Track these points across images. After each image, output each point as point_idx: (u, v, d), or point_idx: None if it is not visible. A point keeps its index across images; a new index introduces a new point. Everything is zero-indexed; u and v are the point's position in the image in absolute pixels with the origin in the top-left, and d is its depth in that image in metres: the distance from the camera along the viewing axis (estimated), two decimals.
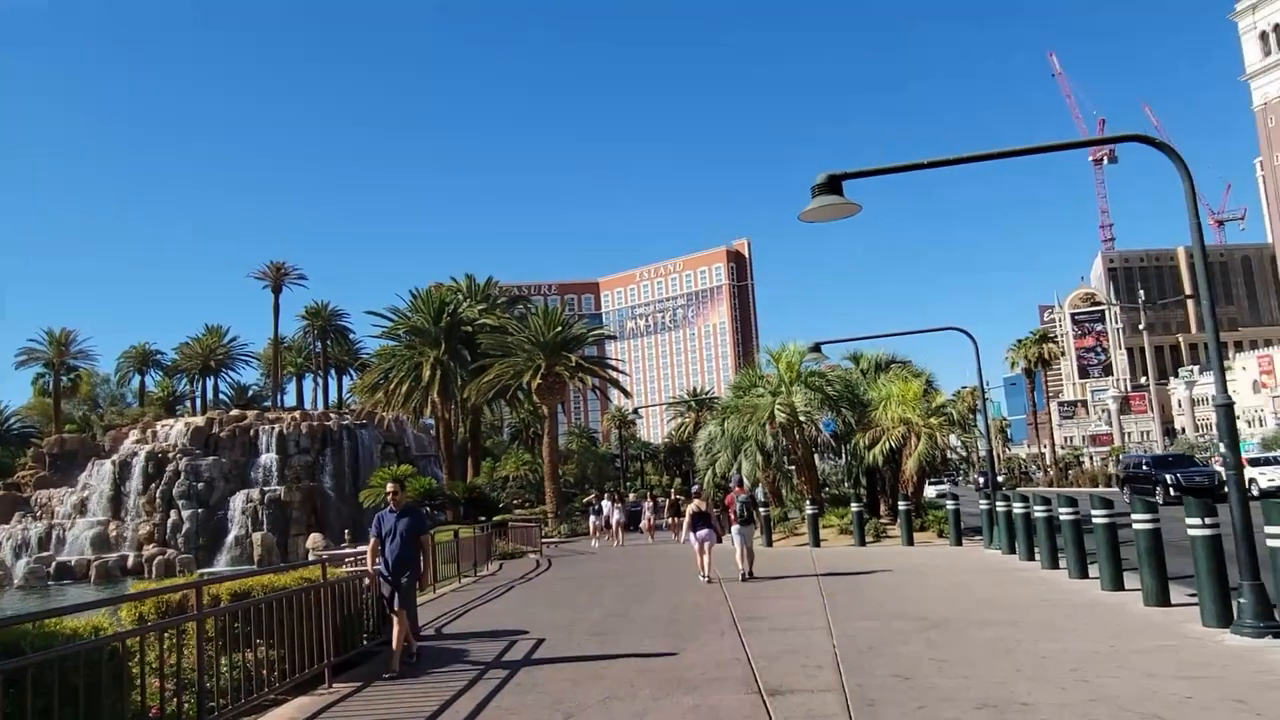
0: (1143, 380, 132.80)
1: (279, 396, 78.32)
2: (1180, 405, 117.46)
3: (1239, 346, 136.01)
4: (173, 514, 52.86)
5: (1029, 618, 10.32)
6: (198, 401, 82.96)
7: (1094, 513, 12.09)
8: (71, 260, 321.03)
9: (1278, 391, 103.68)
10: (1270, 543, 7.49)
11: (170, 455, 55.92)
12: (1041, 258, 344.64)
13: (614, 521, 30.49)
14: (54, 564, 50.08)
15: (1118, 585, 11.73)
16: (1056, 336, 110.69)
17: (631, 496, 42.26)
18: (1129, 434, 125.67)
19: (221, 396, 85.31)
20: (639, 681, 7.88)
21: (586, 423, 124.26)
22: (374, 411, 52.80)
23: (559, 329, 40.51)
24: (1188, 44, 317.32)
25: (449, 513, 39.10)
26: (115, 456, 57.20)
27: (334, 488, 56.53)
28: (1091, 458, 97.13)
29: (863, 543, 22.99)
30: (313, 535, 50.33)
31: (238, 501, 53.99)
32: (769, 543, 24.61)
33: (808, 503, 25.02)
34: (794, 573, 17.00)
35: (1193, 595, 10.74)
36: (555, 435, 42.97)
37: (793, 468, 29.32)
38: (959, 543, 21.59)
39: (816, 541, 23.57)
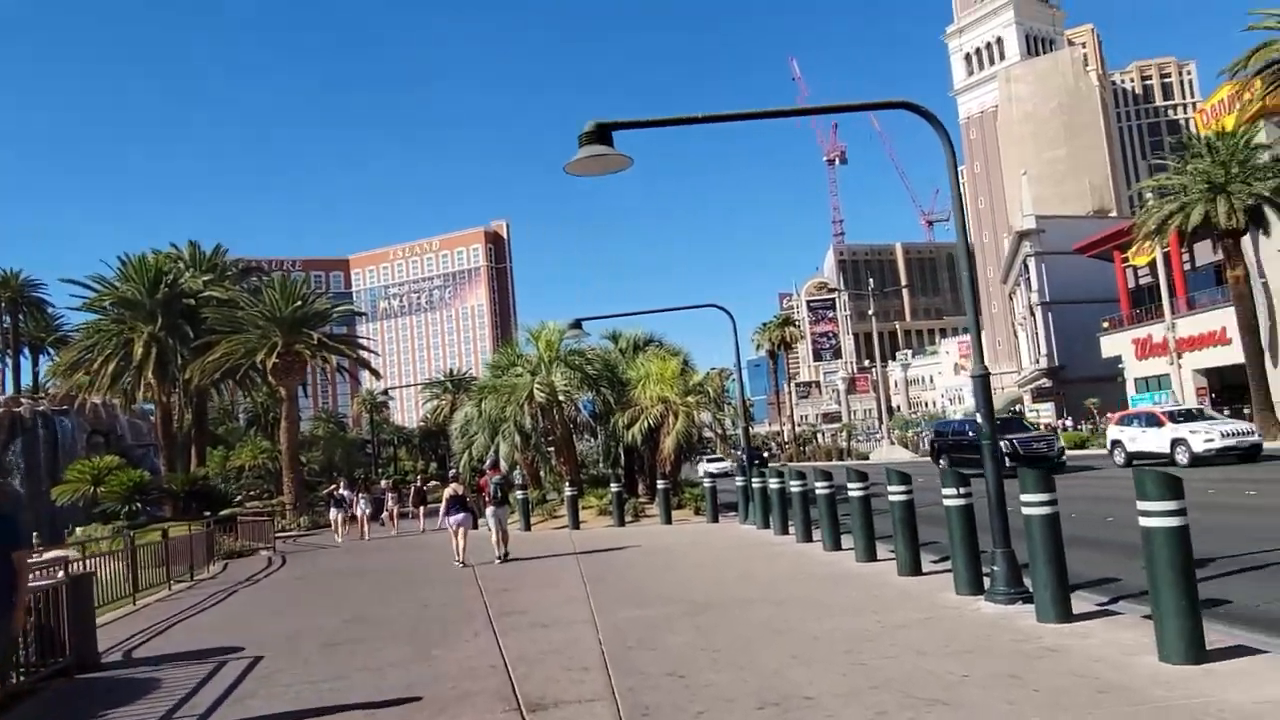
0: (866, 363, 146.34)
1: None
2: (896, 385, 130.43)
3: (944, 333, 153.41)
4: None
5: (792, 593, 10.10)
6: None
7: (850, 485, 12.20)
8: None
9: None
10: (1025, 510, 7.54)
11: None
12: (784, 251, 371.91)
13: (359, 512, 28.20)
14: None
15: (871, 556, 11.90)
16: (798, 321, 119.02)
17: (383, 484, 39.75)
18: (854, 412, 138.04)
19: None
20: (377, 709, 6.59)
21: (335, 407, 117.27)
22: (76, 396, 45.83)
23: (298, 304, 36.97)
24: (911, 59, 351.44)
25: (168, 508, 34.76)
26: None
27: (25, 484, 48.67)
28: (823, 434, 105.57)
29: (622, 523, 22.70)
30: None
31: None
32: (527, 526, 23.73)
33: (567, 484, 24.40)
34: (555, 558, 16.21)
35: (937, 561, 11.08)
36: (295, 420, 39.36)
37: (551, 449, 28.60)
38: (715, 519, 21.83)
39: (576, 523, 22.98)
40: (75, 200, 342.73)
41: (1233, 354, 40.87)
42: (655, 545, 17.39)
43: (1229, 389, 44.02)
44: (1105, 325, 58.13)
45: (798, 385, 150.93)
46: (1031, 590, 7.93)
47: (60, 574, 9.32)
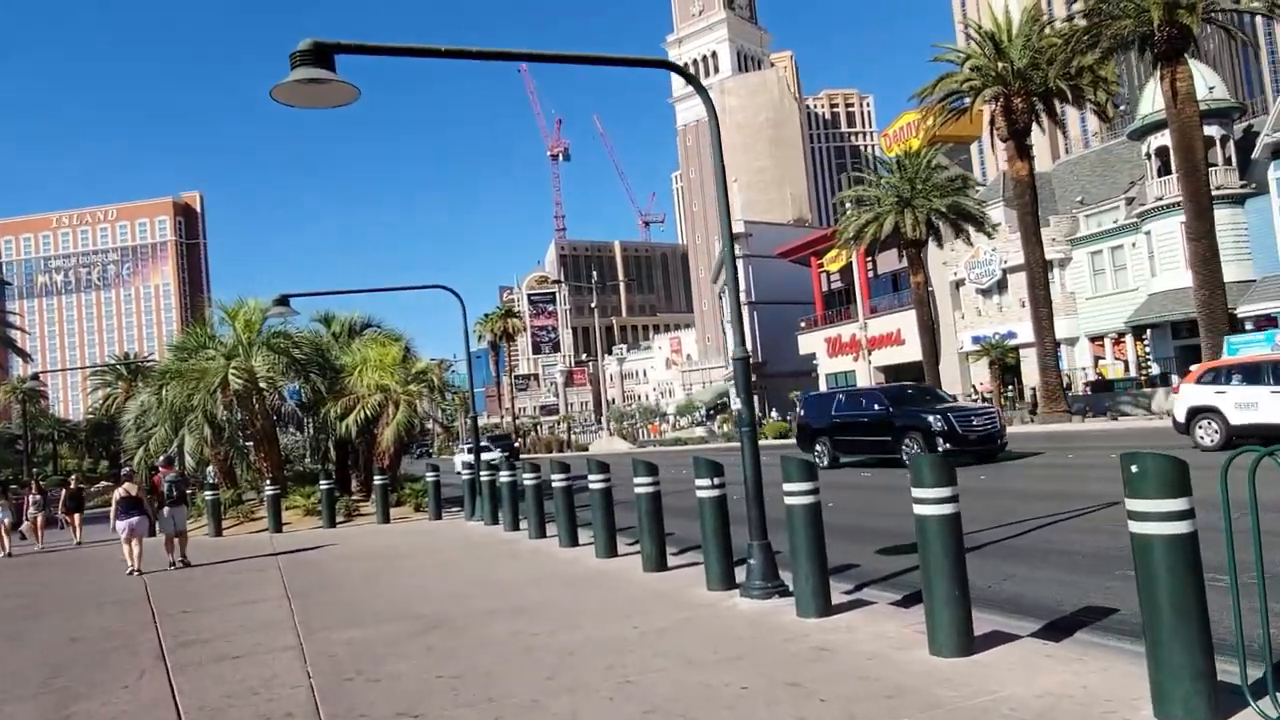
0: (584, 356, 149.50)
1: None
2: (612, 379, 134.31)
3: (657, 329, 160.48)
4: None
5: (535, 599, 9.12)
6: None
7: (591, 478, 11.47)
8: None
9: (685, 367, 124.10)
10: (788, 500, 7.15)
11: None
12: (506, 247, 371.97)
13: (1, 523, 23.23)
14: None
15: (612, 552, 11.26)
16: (520, 314, 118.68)
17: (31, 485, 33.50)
18: (571, 404, 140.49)
19: None
20: None
21: None
22: None
23: None
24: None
25: None
26: None
27: None
28: (542, 426, 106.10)
29: (333, 524, 20.54)
30: None
31: None
32: (218, 531, 20.80)
33: (268, 482, 21.70)
34: (252, 568, 14.02)
35: (678, 554, 10.65)
36: None
37: (250, 443, 25.45)
38: (439, 516, 20.41)
39: (279, 526, 20.46)
40: None
41: (908, 352, 46.05)
42: (373, 548, 15.69)
43: None
44: (802, 325, 63.35)
45: (517, 378, 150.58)
46: (788, 584, 7.60)
47: None
